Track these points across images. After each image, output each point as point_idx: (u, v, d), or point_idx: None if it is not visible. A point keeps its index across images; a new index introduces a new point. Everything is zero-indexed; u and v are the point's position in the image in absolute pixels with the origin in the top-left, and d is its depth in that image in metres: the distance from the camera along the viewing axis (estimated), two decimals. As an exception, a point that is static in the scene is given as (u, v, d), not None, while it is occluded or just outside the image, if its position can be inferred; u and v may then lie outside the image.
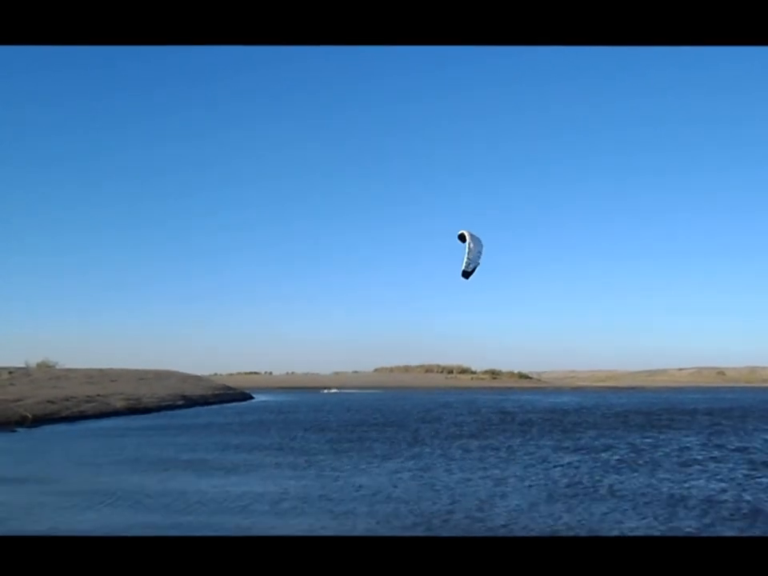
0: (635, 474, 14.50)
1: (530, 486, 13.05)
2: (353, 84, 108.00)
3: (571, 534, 9.33)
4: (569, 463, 16.40)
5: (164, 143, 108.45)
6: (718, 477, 14.26)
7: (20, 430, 24.91)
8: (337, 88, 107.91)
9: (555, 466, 15.86)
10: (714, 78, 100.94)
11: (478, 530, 9.57)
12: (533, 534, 9.36)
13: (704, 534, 9.32)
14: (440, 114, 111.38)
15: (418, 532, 9.56)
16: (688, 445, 20.46)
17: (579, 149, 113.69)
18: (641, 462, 16.71)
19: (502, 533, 9.42)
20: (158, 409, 37.73)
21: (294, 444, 20.91)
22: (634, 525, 9.96)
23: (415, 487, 12.96)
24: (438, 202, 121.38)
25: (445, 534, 9.46)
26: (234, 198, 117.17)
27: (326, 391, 76.29)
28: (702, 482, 13.56)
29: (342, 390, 78.54)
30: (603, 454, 18.04)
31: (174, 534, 9.11)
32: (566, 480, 13.79)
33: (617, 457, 17.65)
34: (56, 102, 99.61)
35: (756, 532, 9.67)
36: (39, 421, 27.44)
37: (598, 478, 13.95)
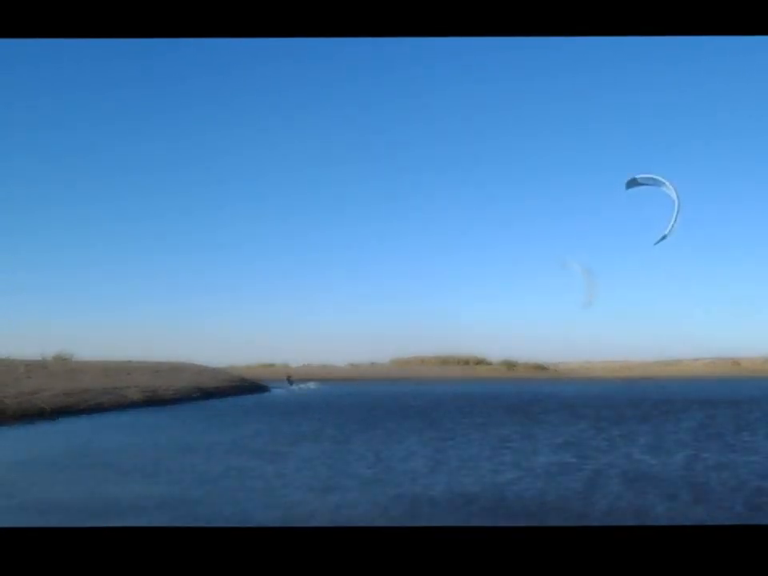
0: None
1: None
2: (357, 80, 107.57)
3: (575, 524, 9.34)
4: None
5: (177, 136, 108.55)
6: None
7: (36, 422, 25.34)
8: (340, 83, 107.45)
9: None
10: (722, 69, 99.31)
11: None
12: (535, 524, 9.42)
13: (706, 523, 9.45)
14: (455, 104, 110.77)
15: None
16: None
17: (588, 141, 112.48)
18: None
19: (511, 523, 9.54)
20: (175, 401, 38.10)
21: (332, 432, 21.43)
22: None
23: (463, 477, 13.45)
24: (450, 194, 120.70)
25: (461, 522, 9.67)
26: (248, 190, 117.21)
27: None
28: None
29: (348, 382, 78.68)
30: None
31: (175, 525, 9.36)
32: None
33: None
34: (59, 96, 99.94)
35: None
36: (57, 413, 27.91)
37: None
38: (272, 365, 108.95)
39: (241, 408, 35.25)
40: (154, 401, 36.60)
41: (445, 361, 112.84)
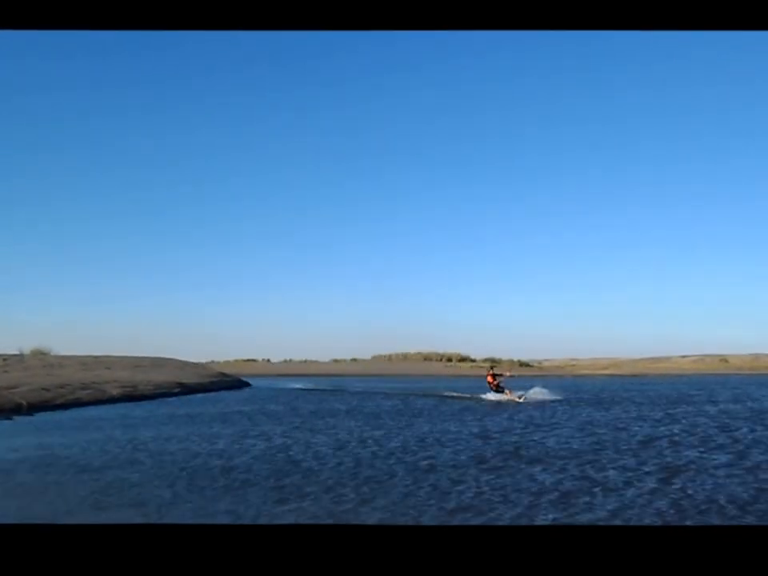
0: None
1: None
2: (353, 77, 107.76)
3: (572, 523, 9.23)
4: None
5: (164, 135, 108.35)
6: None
7: (16, 418, 24.99)
8: (336, 81, 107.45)
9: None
10: (719, 65, 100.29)
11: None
12: (534, 523, 9.22)
13: (705, 524, 9.26)
14: (452, 102, 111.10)
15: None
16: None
17: (582, 139, 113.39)
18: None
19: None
20: (155, 396, 37.58)
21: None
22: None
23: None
24: (436, 194, 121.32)
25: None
26: (233, 189, 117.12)
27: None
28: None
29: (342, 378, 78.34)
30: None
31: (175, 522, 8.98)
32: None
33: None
34: (61, 90, 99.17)
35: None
36: (34, 408, 27.48)
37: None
38: (254, 360, 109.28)
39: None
40: (133, 396, 35.99)
41: (427, 357, 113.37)
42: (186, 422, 23.77)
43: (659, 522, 9.36)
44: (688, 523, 9.21)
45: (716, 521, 9.43)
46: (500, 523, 9.09)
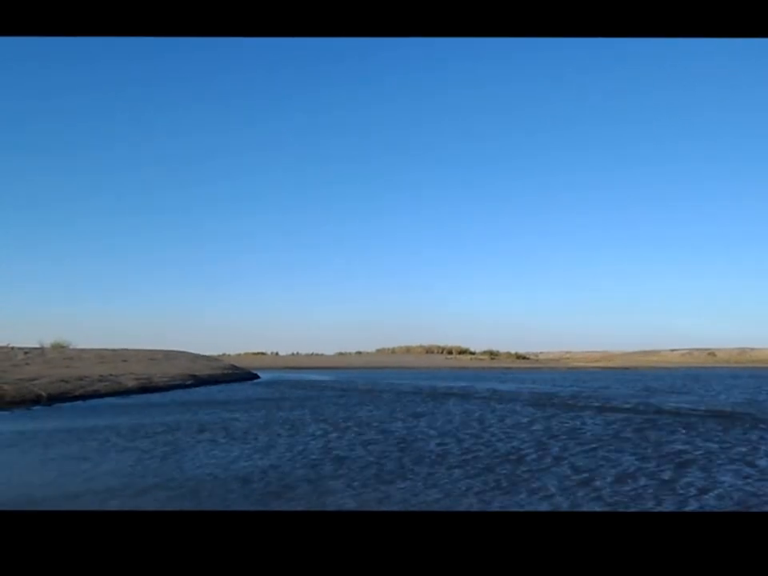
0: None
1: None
2: (354, 79, 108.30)
3: (573, 509, 9.23)
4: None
5: (177, 135, 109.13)
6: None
7: (36, 408, 25.61)
8: (338, 83, 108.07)
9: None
10: (717, 70, 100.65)
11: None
12: (533, 509, 9.28)
13: (703, 510, 9.16)
14: (450, 107, 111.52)
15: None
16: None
17: (581, 140, 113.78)
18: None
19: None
20: (169, 388, 38.43)
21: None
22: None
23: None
24: (437, 190, 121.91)
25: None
26: (242, 186, 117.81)
27: None
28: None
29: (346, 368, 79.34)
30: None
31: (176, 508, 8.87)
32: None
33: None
34: (73, 94, 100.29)
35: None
36: (54, 399, 27.95)
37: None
38: (263, 353, 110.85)
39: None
40: (148, 388, 36.73)
41: (429, 350, 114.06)
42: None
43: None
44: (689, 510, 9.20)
45: None
46: (499, 509, 9.12)
